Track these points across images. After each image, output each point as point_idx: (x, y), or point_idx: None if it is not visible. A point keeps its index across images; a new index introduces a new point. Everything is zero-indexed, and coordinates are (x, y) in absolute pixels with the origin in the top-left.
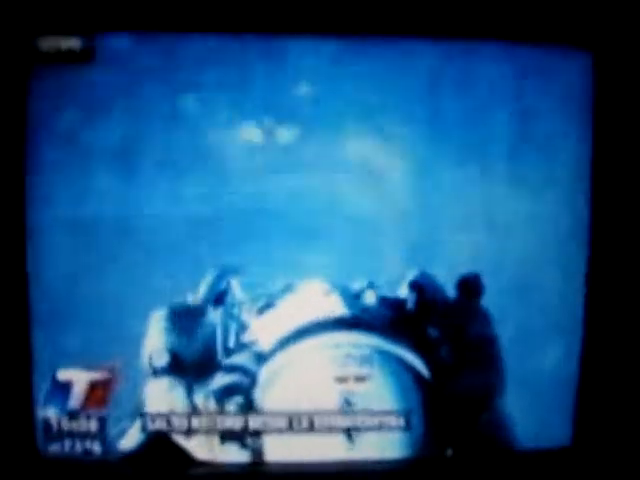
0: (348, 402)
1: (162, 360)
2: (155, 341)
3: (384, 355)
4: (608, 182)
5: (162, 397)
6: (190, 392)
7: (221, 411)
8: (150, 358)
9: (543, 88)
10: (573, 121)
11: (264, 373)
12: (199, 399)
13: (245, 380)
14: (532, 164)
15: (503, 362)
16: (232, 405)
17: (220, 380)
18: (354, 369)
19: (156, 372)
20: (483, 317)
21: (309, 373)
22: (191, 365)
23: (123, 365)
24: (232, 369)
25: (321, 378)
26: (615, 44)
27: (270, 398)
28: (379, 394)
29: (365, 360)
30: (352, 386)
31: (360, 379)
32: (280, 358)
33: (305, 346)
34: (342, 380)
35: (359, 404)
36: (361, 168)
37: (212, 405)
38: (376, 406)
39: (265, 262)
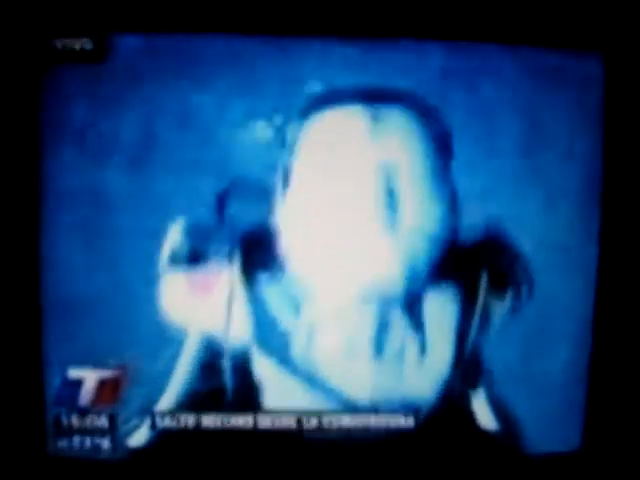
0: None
1: (181, 251)
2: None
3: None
4: (620, 185)
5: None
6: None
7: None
8: (170, 251)
9: (553, 91)
10: (584, 123)
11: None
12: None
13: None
14: (543, 169)
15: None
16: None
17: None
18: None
19: (174, 260)
20: None
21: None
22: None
23: (133, 363)
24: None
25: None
26: (625, 45)
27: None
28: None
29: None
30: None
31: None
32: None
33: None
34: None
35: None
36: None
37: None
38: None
39: None
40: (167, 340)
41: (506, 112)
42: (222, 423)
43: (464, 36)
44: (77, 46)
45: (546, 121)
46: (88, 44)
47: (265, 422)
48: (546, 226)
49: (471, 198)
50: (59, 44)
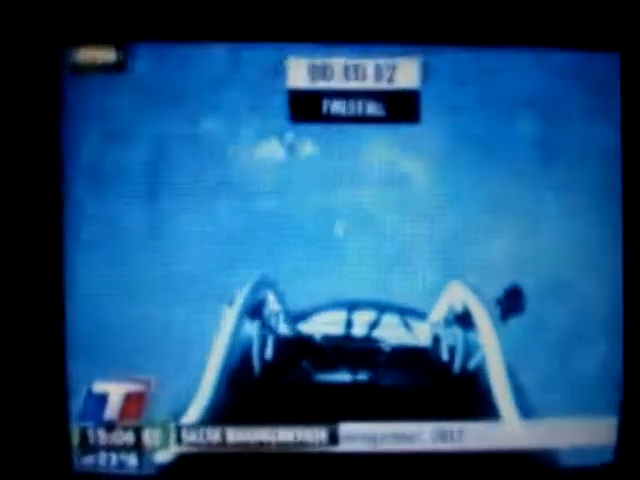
0: None
1: None
2: None
3: None
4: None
5: None
6: None
7: None
8: None
9: (572, 90)
10: (603, 121)
11: None
12: None
13: None
14: (564, 166)
15: None
16: None
17: None
18: None
19: None
20: None
21: None
22: None
23: (158, 376)
24: None
25: None
26: None
27: None
28: None
29: None
30: None
31: None
32: None
33: None
34: None
35: None
36: (387, 179)
37: None
38: None
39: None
40: (192, 353)
41: (524, 116)
42: (248, 437)
43: (485, 40)
44: (98, 57)
45: (565, 122)
46: (109, 55)
47: (289, 435)
48: (569, 223)
49: None
50: (80, 55)
